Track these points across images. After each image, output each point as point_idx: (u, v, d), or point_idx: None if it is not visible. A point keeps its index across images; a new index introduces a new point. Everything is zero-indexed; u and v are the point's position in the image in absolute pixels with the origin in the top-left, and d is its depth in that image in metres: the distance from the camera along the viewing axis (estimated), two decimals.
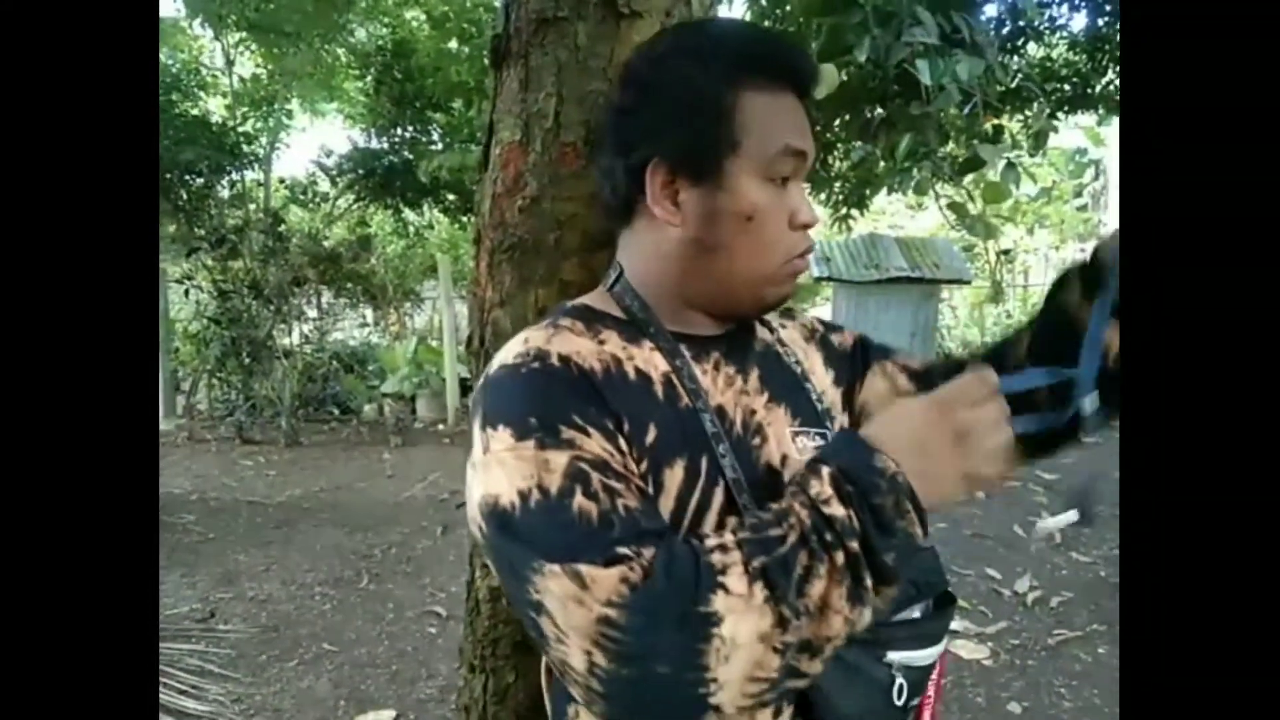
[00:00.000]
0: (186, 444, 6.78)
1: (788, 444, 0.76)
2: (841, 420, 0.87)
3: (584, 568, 0.57)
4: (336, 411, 7.98)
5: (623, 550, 0.58)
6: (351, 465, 6.08)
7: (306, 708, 2.63)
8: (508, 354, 0.70)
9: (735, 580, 0.56)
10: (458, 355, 7.40)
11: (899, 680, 0.71)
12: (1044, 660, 2.88)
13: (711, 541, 0.59)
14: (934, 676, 0.77)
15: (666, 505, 0.66)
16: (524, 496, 0.61)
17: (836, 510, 0.59)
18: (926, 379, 0.88)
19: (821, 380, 0.88)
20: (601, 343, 0.72)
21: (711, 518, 0.68)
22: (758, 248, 0.72)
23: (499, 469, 0.62)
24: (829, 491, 0.60)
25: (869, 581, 0.58)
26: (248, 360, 7.13)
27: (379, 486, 5.46)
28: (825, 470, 0.61)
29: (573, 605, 0.57)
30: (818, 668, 0.59)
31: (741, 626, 0.55)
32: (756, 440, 0.75)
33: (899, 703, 0.71)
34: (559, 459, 0.61)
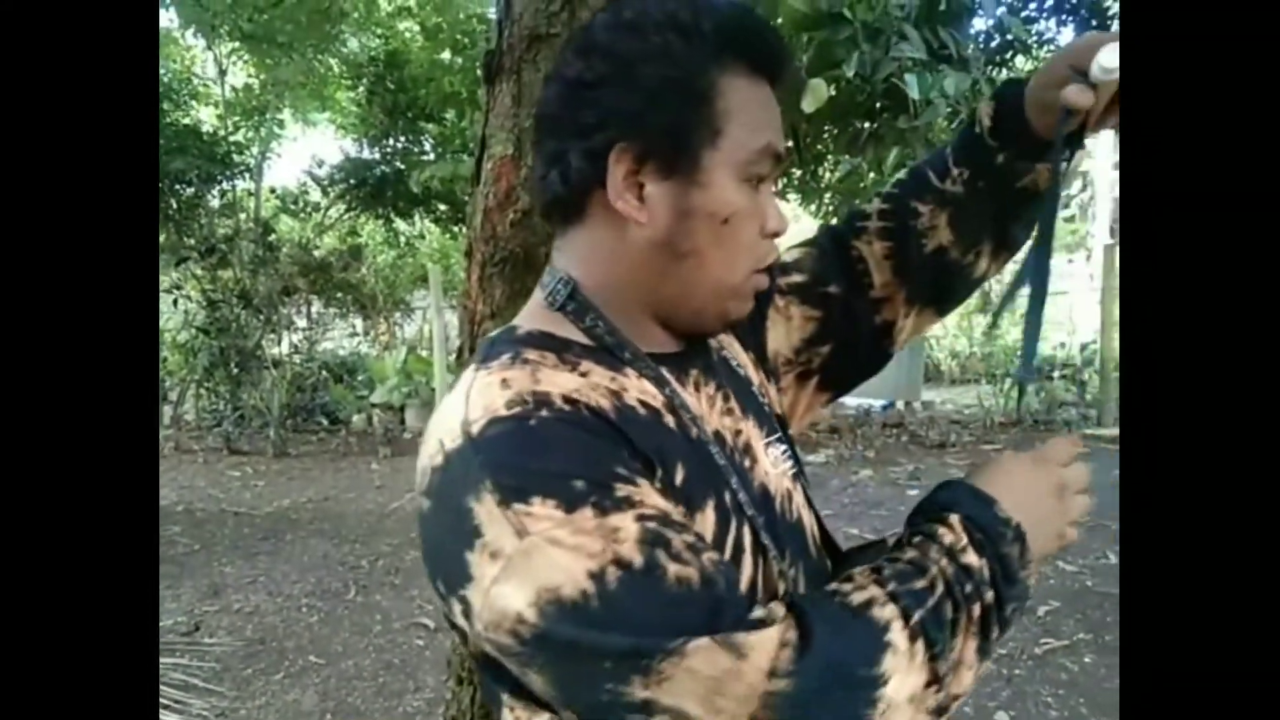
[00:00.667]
0: (173, 454, 6.74)
1: (765, 459, 0.69)
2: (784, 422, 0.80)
3: (736, 636, 0.48)
4: (325, 422, 7.95)
5: (757, 614, 0.51)
6: (340, 476, 6.06)
7: None
8: (493, 404, 0.54)
9: (899, 637, 0.51)
10: (448, 365, 7.39)
11: None
12: (1031, 669, 2.89)
13: (858, 596, 0.53)
14: None
15: None
16: (598, 578, 0.48)
17: (972, 560, 0.56)
18: (813, 278, 0.83)
19: (755, 374, 0.79)
20: (584, 374, 0.59)
21: (747, 560, 0.60)
22: (729, 256, 0.62)
23: (552, 553, 0.49)
24: (964, 540, 0.56)
25: (995, 635, 0.56)
26: (236, 370, 7.12)
27: (367, 497, 5.44)
28: (953, 518, 0.58)
29: (728, 681, 0.48)
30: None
31: (903, 687, 0.51)
32: (748, 462, 0.66)
33: None
34: (628, 524, 0.50)
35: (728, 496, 0.60)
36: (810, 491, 0.76)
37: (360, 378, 8.60)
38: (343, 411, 7.98)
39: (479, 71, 1.08)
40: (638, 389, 0.61)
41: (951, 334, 13.01)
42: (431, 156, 9.09)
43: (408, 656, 3.08)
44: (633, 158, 0.59)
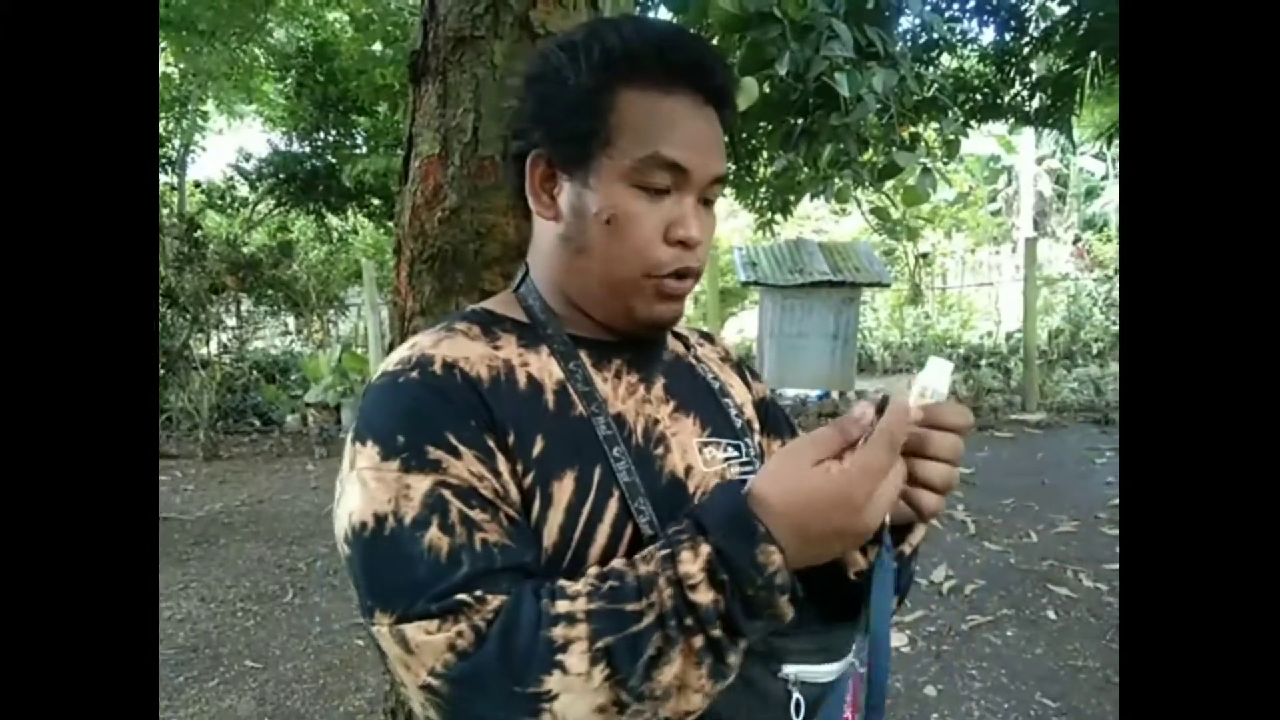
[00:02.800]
0: None
1: (693, 454, 0.73)
2: (758, 438, 0.84)
3: (411, 630, 0.56)
4: (258, 423, 7.74)
5: (462, 598, 0.56)
6: (274, 478, 5.91)
7: None
8: (391, 360, 0.67)
9: (575, 659, 0.54)
10: None
11: (795, 695, 0.68)
12: (958, 645, 3.02)
13: (561, 607, 0.56)
14: (848, 698, 0.72)
15: (556, 519, 0.63)
16: (379, 521, 0.59)
17: (702, 597, 0.56)
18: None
19: (741, 394, 0.85)
20: (497, 348, 0.69)
21: (604, 529, 0.65)
22: (618, 253, 0.67)
23: (360, 488, 0.60)
24: (699, 576, 0.56)
25: (731, 659, 0.57)
26: (163, 372, 6.86)
27: (303, 499, 5.33)
28: (704, 548, 0.57)
29: (399, 668, 0.57)
30: None
31: (577, 706, 0.54)
32: (659, 450, 0.71)
33: (797, 718, 0.67)
34: (421, 484, 0.59)
35: (598, 470, 0.66)
36: None
37: (294, 377, 8.39)
38: (276, 412, 7.77)
39: (408, 65, 1.10)
40: (538, 365, 0.69)
41: (884, 325, 13.37)
42: (364, 150, 8.90)
43: (348, 657, 3.04)
44: (545, 162, 0.69)
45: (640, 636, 0.55)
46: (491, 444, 0.62)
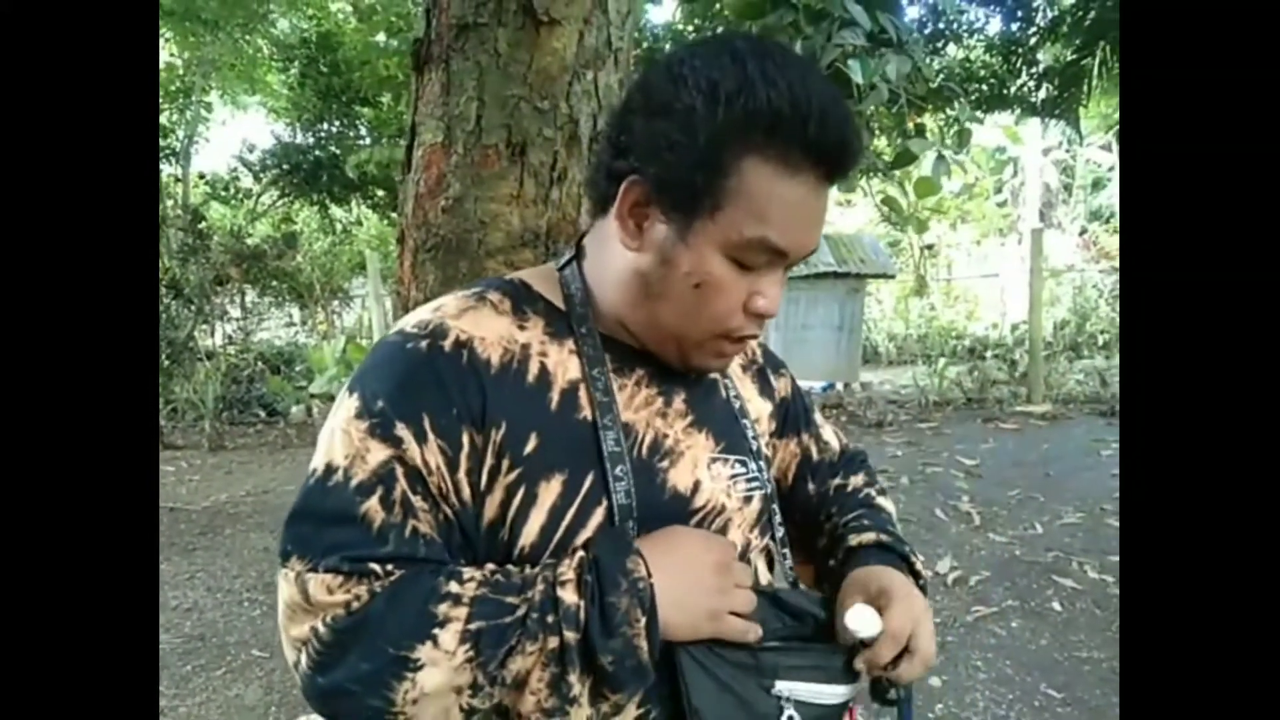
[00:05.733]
0: None
1: (702, 470, 0.72)
2: (767, 456, 0.84)
3: (314, 583, 0.59)
4: (263, 414, 7.76)
5: (374, 566, 0.59)
6: (279, 468, 5.93)
7: (235, 716, 2.58)
8: (410, 320, 0.67)
9: (448, 637, 0.57)
10: None
11: (788, 712, 0.65)
12: (962, 635, 3.02)
13: (451, 587, 0.59)
14: None
15: (538, 519, 0.63)
16: (329, 471, 0.62)
17: (568, 596, 0.59)
18: (814, 475, 0.89)
19: (758, 409, 0.85)
20: (522, 327, 0.68)
21: (584, 535, 0.64)
22: (692, 315, 0.66)
23: (329, 435, 0.64)
24: (570, 575, 0.60)
25: (573, 676, 0.58)
26: (168, 363, 6.88)
27: None
28: (580, 555, 0.62)
29: (294, 612, 0.60)
30: None
31: (437, 678, 0.57)
32: (664, 464, 0.70)
33: None
34: (378, 453, 0.61)
35: (590, 478, 0.65)
36: (775, 524, 0.79)
37: (298, 368, 8.40)
38: (281, 403, 7.79)
39: (411, 53, 1.09)
40: (556, 359, 0.68)
41: (889, 317, 13.33)
42: (367, 141, 8.90)
43: None
44: (641, 191, 0.65)
45: (509, 629, 0.58)
46: (465, 439, 0.63)
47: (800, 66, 0.62)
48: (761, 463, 0.79)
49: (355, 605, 0.58)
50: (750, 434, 0.79)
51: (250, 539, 4.30)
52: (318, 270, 9.03)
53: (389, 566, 0.59)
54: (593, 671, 0.59)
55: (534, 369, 0.67)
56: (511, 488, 0.63)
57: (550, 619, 0.58)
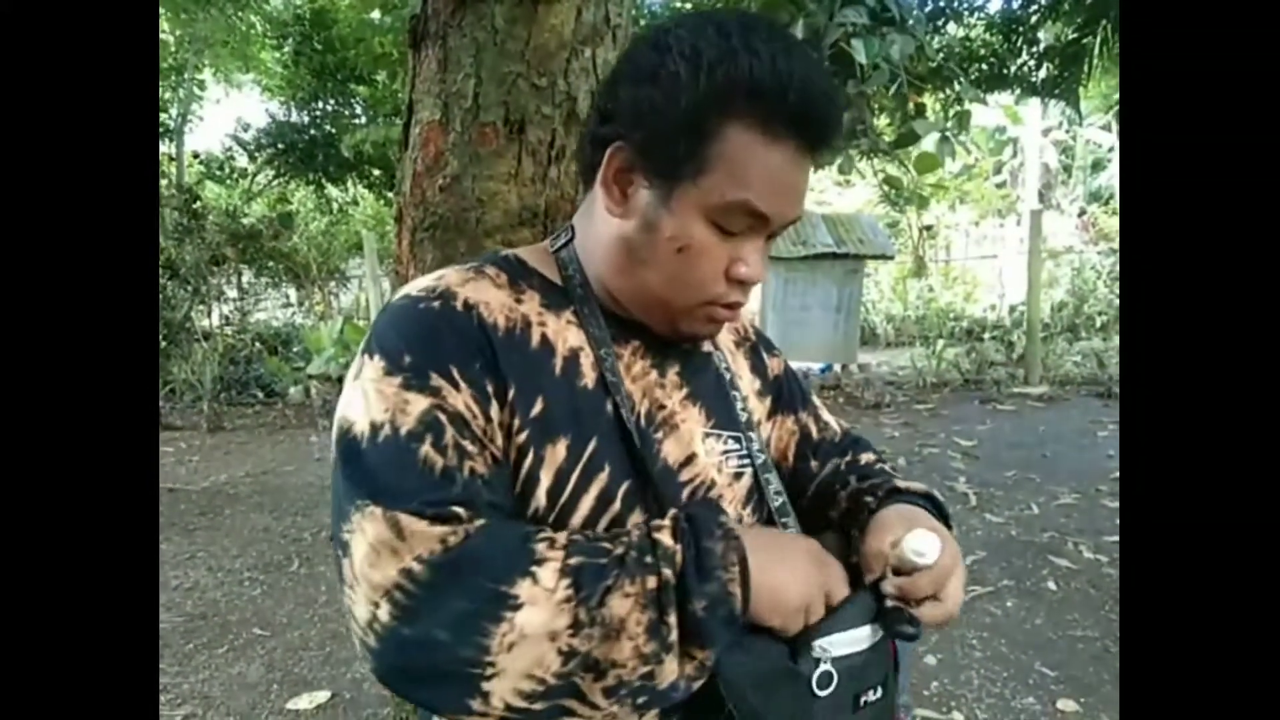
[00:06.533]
0: None
1: (696, 444, 0.73)
2: (763, 432, 0.85)
3: (405, 517, 0.56)
4: (260, 395, 7.76)
5: (456, 509, 0.57)
6: (278, 449, 5.94)
7: (237, 693, 2.60)
8: (415, 285, 0.68)
9: (548, 573, 0.56)
10: None
11: (824, 667, 0.62)
12: (958, 615, 3.06)
13: (545, 532, 0.59)
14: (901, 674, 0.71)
15: (546, 480, 0.64)
16: (375, 430, 0.60)
17: (664, 538, 0.59)
18: (816, 453, 0.88)
19: (748, 387, 0.86)
20: (519, 300, 0.69)
21: (588, 502, 0.65)
22: (681, 280, 0.67)
23: (361, 397, 0.62)
24: (666, 524, 0.61)
25: (672, 619, 0.57)
26: (164, 344, 6.87)
27: (307, 470, 5.35)
28: (673, 513, 0.62)
29: (383, 552, 0.56)
30: (598, 697, 0.56)
31: (536, 618, 0.55)
32: (659, 434, 0.71)
33: (823, 692, 0.62)
34: (419, 403, 0.60)
35: (593, 443, 0.66)
36: (768, 495, 0.78)
37: (296, 349, 8.39)
38: (279, 384, 7.79)
39: (407, 29, 1.08)
40: (555, 329, 0.69)
41: (887, 299, 13.33)
42: (363, 120, 8.83)
43: None
44: (626, 157, 0.66)
45: (607, 567, 0.57)
46: (490, 389, 0.63)
47: (784, 39, 0.64)
48: (752, 434, 0.80)
49: (452, 540, 0.56)
50: (740, 408, 0.80)
51: (250, 519, 4.32)
52: (314, 250, 8.99)
53: (468, 511, 0.58)
54: (684, 614, 0.57)
55: (535, 336, 0.68)
56: (522, 448, 0.64)
57: (647, 558, 0.58)
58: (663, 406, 0.72)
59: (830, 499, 0.83)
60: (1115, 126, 14.95)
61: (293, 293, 9.74)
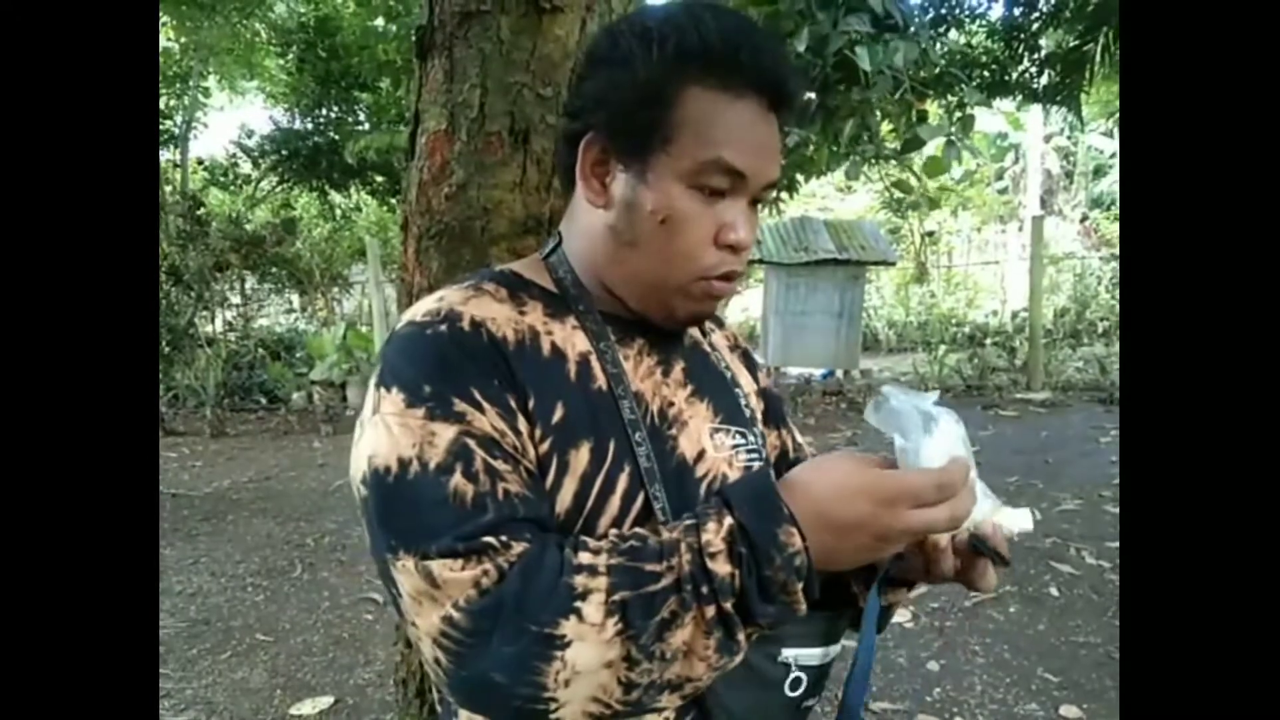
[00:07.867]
0: None
1: (705, 439, 0.74)
2: (761, 430, 0.85)
3: (436, 566, 0.56)
4: (264, 400, 7.77)
5: (488, 540, 0.57)
6: (281, 455, 5.95)
7: (240, 698, 2.61)
8: (418, 311, 0.67)
9: (592, 609, 0.55)
10: None
11: (794, 674, 0.69)
12: (960, 620, 3.05)
13: (584, 559, 0.58)
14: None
15: (571, 486, 0.64)
16: (403, 465, 0.59)
17: (721, 567, 0.57)
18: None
19: (748, 384, 0.87)
20: (523, 312, 0.69)
21: (615, 501, 0.65)
22: (670, 254, 0.68)
23: (385, 432, 0.61)
24: (720, 546, 0.58)
25: (741, 636, 0.58)
26: (168, 349, 6.89)
27: (310, 475, 5.37)
28: (727, 520, 0.59)
29: (424, 601, 0.57)
30: (678, 701, 0.60)
31: (588, 654, 0.55)
32: (672, 431, 0.72)
33: (793, 694, 0.69)
34: (446, 432, 0.60)
35: (613, 444, 0.67)
36: None
37: (299, 355, 8.40)
38: (282, 389, 7.80)
39: (414, 40, 1.09)
40: (562, 336, 0.69)
41: (889, 304, 13.32)
42: (366, 127, 8.86)
43: (357, 631, 3.08)
44: (599, 147, 0.68)
45: (656, 596, 0.56)
46: (513, 404, 0.63)
47: (735, 16, 0.66)
48: (759, 429, 0.81)
49: (486, 582, 0.56)
50: (744, 403, 0.81)
51: (253, 525, 4.33)
52: (317, 257, 9.02)
53: (503, 537, 0.57)
54: (751, 625, 0.59)
55: (546, 345, 0.68)
56: (546, 457, 0.64)
57: (704, 590, 0.57)
58: (671, 404, 0.73)
59: None
60: (1116, 133, 14.96)
61: (296, 299, 9.76)
